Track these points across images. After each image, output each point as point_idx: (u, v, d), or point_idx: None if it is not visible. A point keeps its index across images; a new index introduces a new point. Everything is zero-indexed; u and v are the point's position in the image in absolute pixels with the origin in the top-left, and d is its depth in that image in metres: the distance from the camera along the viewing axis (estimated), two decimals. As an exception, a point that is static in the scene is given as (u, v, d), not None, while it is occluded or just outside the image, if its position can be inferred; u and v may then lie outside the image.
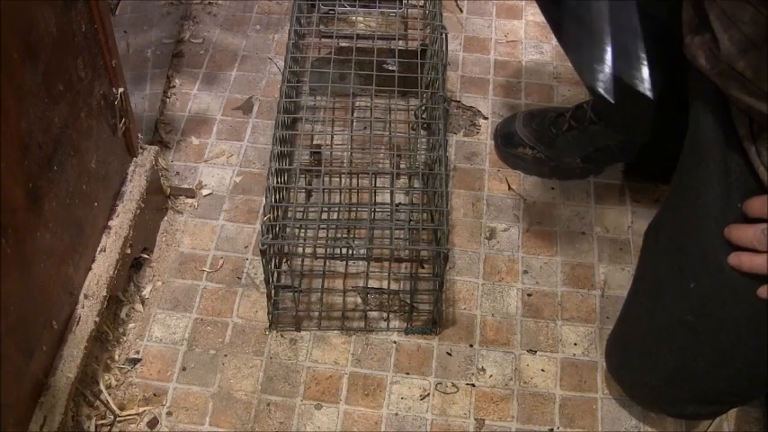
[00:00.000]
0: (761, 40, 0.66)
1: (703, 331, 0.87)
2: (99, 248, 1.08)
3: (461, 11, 1.63)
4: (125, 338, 1.16)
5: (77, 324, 1.02)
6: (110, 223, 1.11)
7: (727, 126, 0.79)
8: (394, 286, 1.21)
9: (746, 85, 0.69)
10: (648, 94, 0.72)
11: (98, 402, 1.08)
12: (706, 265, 0.84)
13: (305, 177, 1.34)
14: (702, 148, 0.84)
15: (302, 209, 1.30)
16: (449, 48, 1.24)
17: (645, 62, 0.73)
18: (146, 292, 1.21)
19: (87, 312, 1.03)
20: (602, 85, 0.74)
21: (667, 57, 0.88)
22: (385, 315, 1.18)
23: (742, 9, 0.67)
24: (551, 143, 1.32)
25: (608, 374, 1.10)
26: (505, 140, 1.38)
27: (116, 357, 1.13)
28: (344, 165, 1.35)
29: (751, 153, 0.76)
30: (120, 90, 1.07)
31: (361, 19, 1.54)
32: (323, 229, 1.27)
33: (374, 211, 1.22)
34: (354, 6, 1.45)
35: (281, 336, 1.17)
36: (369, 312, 1.18)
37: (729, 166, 0.80)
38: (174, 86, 1.49)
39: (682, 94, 0.89)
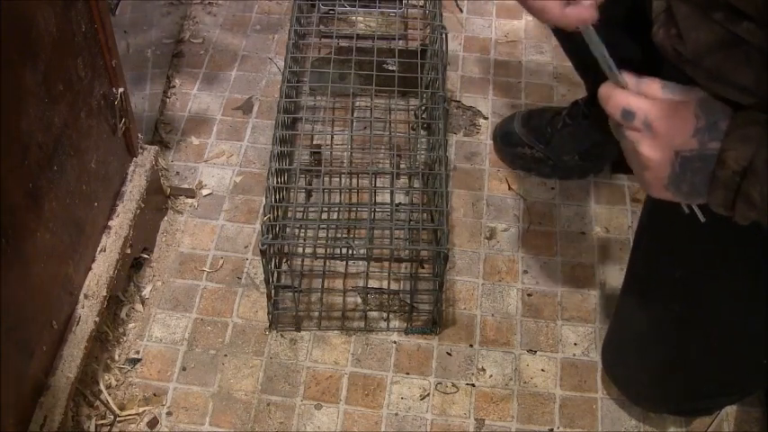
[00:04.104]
0: (729, 43, 0.66)
1: (690, 320, 0.88)
2: (99, 248, 1.08)
3: (461, 11, 1.63)
4: (125, 338, 1.16)
5: (77, 324, 1.02)
6: (110, 223, 1.11)
7: None
8: (394, 286, 1.21)
9: (714, 77, 0.69)
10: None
11: (98, 402, 1.08)
12: (690, 252, 0.84)
13: (305, 177, 1.34)
14: None
15: (302, 209, 1.30)
16: (449, 48, 1.24)
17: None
18: (146, 292, 1.21)
19: (87, 312, 1.03)
20: None
21: (642, 38, 0.87)
22: (385, 315, 1.18)
23: (708, 17, 0.67)
24: (549, 141, 1.33)
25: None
26: (504, 140, 1.38)
27: (116, 357, 1.13)
28: (344, 165, 1.35)
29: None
30: (120, 90, 1.07)
31: (361, 19, 1.54)
32: (323, 229, 1.27)
33: (374, 211, 1.22)
34: (354, 6, 1.45)
35: (281, 336, 1.17)
36: (369, 312, 1.18)
37: None
38: (174, 86, 1.49)
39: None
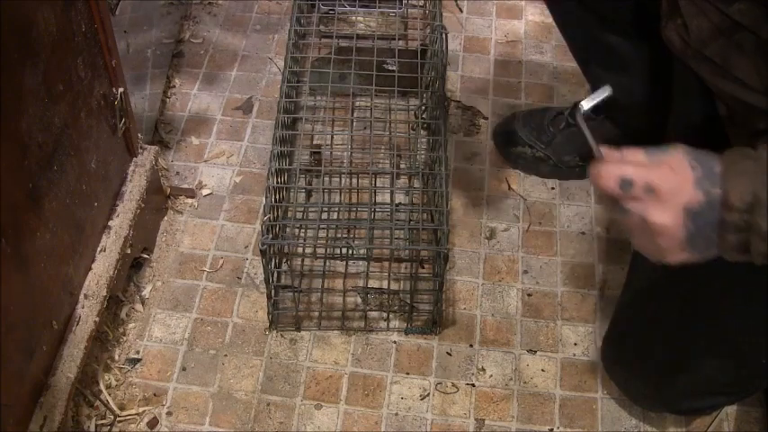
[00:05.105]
0: (727, 30, 0.67)
1: (690, 318, 0.88)
2: (99, 248, 1.08)
3: (461, 11, 1.63)
4: (125, 338, 1.16)
5: (77, 324, 1.02)
6: (110, 223, 1.11)
7: (709, 108, 0.79)
8: (394, 286, 1.21)
9: (717, 69, 0.70)
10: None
11: (98, 402, 1.08)
12: None
13: (305, 177, 1.34)
14: (687, 131, 0.84)
15: (302, 209, 1.30)
16: (449, 48, 1.24)
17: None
18: (146, 292, 1.21)
19: (87, 312, 1.03)
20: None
21: (652, 40, 0.88)
22: (385, 315, 1.18)
23: (705, 3, 0.68)
24: (550, 142, 1.33)
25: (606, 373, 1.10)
26: (505, 139, 1.38)
27: (116, 357, 1.13)
28: (344, 165, 1.35)
29: (731, 135, 0.76)
30: (120, 90, 1.07)
31: (361, 19, 1.54)
32: (323, 229, 1.27)
33: (374, 211, 1.22)
34: (354, 6, 1.45)
35: (281, 336, 1.17)
36: (369, 312, 1.18)
37: (714, 149, 0.79)
38: (174, 86, 1.49)
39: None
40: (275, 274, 1.15)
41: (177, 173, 1.36)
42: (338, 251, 1.24)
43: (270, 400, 1.11)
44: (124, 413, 1.08)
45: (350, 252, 1.23)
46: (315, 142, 1.39)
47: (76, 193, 0.99)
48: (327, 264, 1.23)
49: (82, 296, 1.04)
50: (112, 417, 1.07)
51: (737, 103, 0.72)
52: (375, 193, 1.27)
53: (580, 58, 1.25)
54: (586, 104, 0.74)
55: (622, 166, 0.64)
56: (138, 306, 1.19)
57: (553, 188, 1.35)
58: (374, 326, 1.18)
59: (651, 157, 0.65)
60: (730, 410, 1.11)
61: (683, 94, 0.84)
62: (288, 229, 1.25)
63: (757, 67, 0.66)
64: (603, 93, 0.75)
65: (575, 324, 1.19)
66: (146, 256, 1.23)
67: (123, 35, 1.52)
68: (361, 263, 1.23)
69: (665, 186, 0.63)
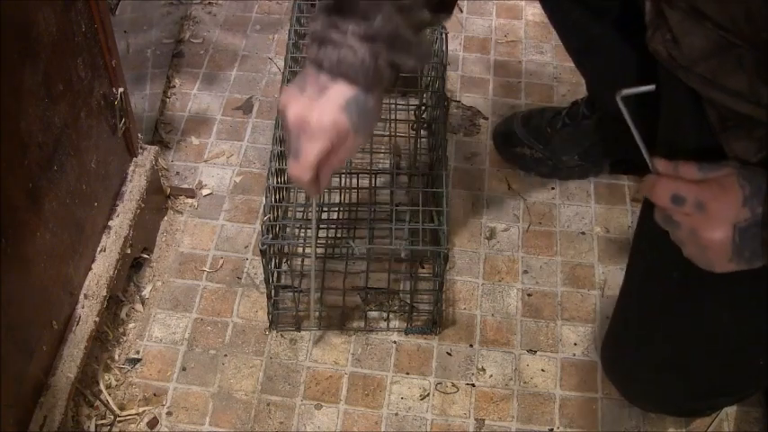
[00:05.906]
0: (722, 48, 0.67)
1: (687, 319, 0.88)
2: (99, 248, 1.09)
3: (461, 11, 1.63)
4: (125, 338, 1.16)
5: (77, 324, 1.02)
6: (110, 223, 1.11)
7: (699, 114, 0.79)
8: (394, 286, 1.21)
9: (708, 82, 0.70)
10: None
11: (98, 402, 1.08)
12: None
13: (305, 177, 1.34)
14: (676, 136, 0.83)
15: (302, 209, 1.30)
16: (449, 48, 1.24)
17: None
18: (146, 292, 1.21)
19: (87, 312, 1.03)
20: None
21: (638, 40, 0.88)
22: (385, 315, 1.18)
23: (700, 24, 0.68)
24: (548, 142, 1.33)
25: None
26: (504, 139, 1.38)
27: (116, 357, 1.13)
28: (344, 164, 1.34)
29: (722, 141, 0.76)
30: (120, 90, 1.07)
31: (361, 19, 1.54)
32: (323, 228, 1.27)
33: (374, 211, 1.22)
34: (354, 6, 1.45)
35: (281, 336, 1.17)
36: (369, 312, 1.18)
37: (704, 154, 0.79)
38: (174, 86, 1.49)
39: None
40: (275, 274, 1.15)
41: (177, 173, 1.36)
42: (338, 251, 1.24)
43: (270, 400, 1.11)
44: (124, 413, 1.08)
45: (350, 252, 1.23)
46: (315, 142, 1.39)
47: (76, 193, 1.00)
48: (327, 263, 1.23)
49: (82, 296, 1.04)
50: (112, 417, 1.07)
51: (730, 112, 0.72)
52: (375, 192, 1.27)
53: (572, 49, 1.24)
54: (627, 91, 0.73)
55: (675, 181, 0.68)
56: (138, 306, 1.19)
57: (553, 188, 1.35)
58: (374, 326, 1.18)
59: (704, 174, 0.68)
60: (730, 411, 1.11)
61: (672, 100, 0.84)
62: (288, 229, 1.25)
63: (754, 84, 0.65)
64: (647, 87, 0.75)
65: (575, 324, 1.19)
66: (146, 256, 1.23)
67: (123, 35, 1.52)
68: (361, 263, 1.23)
69: (715, 204, 0.66)
